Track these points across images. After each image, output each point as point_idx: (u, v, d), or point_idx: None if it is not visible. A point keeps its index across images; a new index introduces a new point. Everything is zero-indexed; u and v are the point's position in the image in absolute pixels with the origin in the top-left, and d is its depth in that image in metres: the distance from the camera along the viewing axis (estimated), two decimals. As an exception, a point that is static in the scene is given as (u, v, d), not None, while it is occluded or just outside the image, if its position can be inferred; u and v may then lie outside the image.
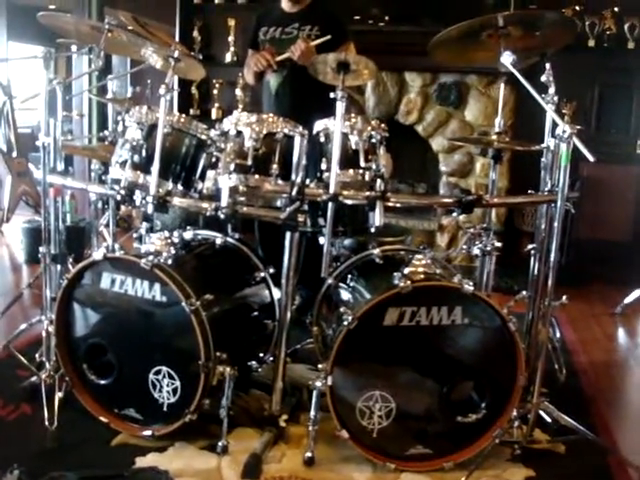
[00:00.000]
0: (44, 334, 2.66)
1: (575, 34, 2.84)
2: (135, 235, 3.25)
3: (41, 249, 2.68)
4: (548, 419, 2.49)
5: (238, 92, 5.55)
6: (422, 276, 2.33)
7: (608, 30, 5.01)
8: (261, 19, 3.79)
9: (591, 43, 5.03)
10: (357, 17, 5.28)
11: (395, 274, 2.30)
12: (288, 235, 2.36)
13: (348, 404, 2.28)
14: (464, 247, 3.21)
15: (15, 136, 5.98)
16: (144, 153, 2.36)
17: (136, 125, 2.40)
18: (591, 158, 2.10)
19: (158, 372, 2.34)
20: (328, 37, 3.43)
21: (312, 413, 2.29)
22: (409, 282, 2.22)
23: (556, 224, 2.31)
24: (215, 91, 5.66)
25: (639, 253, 4.81)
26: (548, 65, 2.49)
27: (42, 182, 2.59)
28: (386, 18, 5.29)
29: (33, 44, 8.73)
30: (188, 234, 2.74)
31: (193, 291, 2.26)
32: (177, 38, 5.53)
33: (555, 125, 2.33)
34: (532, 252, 2.71)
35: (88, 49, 2.70)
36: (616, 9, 4.96)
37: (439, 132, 5.29)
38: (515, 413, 2.33)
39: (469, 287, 2.23)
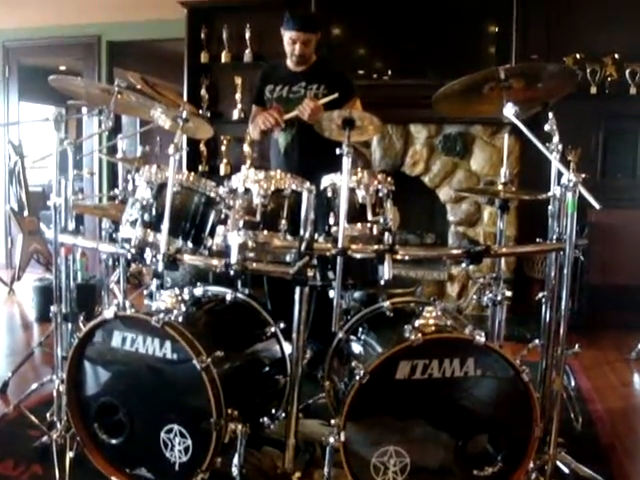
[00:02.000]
0: (55, 393, 2.65)
1: (576, 84, 2.89)
2: (146, 292, 3.26)
3: (52, 308, 2.69)
4: (566, 470, 2.45)
5: (246, 148, 5.64)
6: (433, 328, 2.32)
7: (610, 77, 5.08)
8: (267, 76, 3.83)
9: (593, 90, 5.10)
10: (361, 72, 5.38)
11: (406, 327, 2.29)
12: (298, 290, 2.37)
13: (362, 460, 2.24)
14: (474, 297, 3.21)
15: (26, 195, 6.08)
16: (154, 212, 2.39)
17: (146, 184, 2.43)
18: (597, 206, 2.11)
19: (170, 431, 2.32)
20: (335, 95, 3.47)
21: (326, 470, 2.25)
22: (420, 335, 2.21)
23: (566, 271, 2.31)
24: (223, 147, 5.77)
25: (650, 297, 4.79)
26: (551, 114, 2.51)
27: (53, 242, 2.61)
28: (389, 72, 5.39)
29: (44, 104, 8.92)
30: (198, 290, 2.75)
31: (204, 348, 2.25)
32: (185, 97, 5.66)
33: (560, 174, 2.35)
34: (543, 300, 2.70)
35: (98, 111, 2.75)
36: (617, 56, 5.04)
37: (446, 182, 5.34)
38: (532, 465, 2.30)
39: (481, 338, 2.21)
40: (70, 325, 2.73)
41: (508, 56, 5.13)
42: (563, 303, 2.33)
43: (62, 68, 7.97)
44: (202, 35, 5.81)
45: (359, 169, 2.44)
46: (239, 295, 2.72)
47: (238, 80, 5.70)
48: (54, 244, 2.61)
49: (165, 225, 2.29)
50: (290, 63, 3.74)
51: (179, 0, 5.62)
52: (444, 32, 5.29)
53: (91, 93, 2.95)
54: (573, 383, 3.30)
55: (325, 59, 3.84)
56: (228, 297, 2.72)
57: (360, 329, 2.70)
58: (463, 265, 2.52)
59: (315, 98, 3.56)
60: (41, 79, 7.74)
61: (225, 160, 5.79)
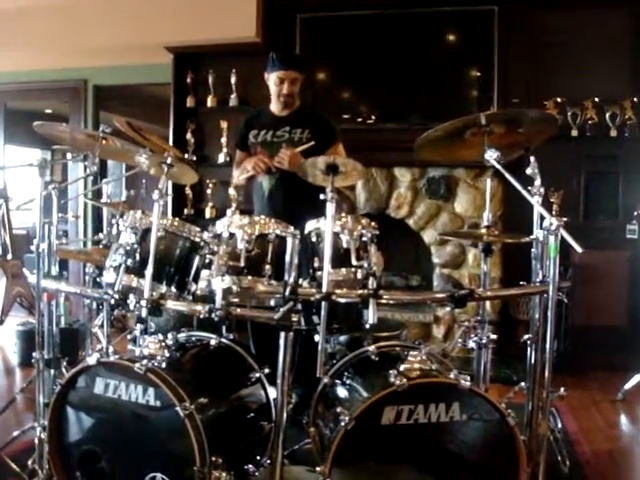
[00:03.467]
0: (37, 441, 2.61)
1: (557, 128, 2.93)
2: (130, 337, 3.24)
3: (35, 354, 2.67)
4: (554, 515, 2.43)
5: (231, 191, 5.60)
6: (418, 373, 2.32)
7: (590, 120, 5.16)
8: (251, 121, 3.88)
9: (574, 133, 5.17)
10: (346, 116, 5.45)
11: (391, 372, 2.29)
12: (282, 335, 2.36)
13: (348, 507, 2.22)
14: (460, 341, 3.21)
15: (10, 238, 6.03)
16: (138, 257, 2.39)
17: (130, 229, 2.43)
18: (579, 249, 2.12)
19: (153, 479, 2.28)
20: (312, 144, 3.55)
21: (312, 518, 2.23)
22: (405, 380, 2.20)
23: (550, 314, 2.32)
24: (209, 191, 5.79)
25: (635, 337, 4.80)
26: (532, 158, 2.55)
27: (36, 287, 2.60)
28: (373, 116, 5.46)
29: (30, 147, 8.93)
30: (182, 336, 2.74)
31: (187, 394, 2.23)
32: (171, 141, 5.69)
33: (543, 217, 2.37)
34: (528, 342, 2.70)
35: (83, 156, 2.76)
36: (596, 99, 5.13)
37: (430, 225, 5.37)
38: (520, 510, 2.28)
39: (466, 382, 2.21)
40: (53, 371, 2.70)
41: (490, 100, 5.23)
42: (548, 345, 2.34)
43: (48, 111, 8.01)
44: (188, 80, 5.86)
45: (343, 214, 2.46)
46: (223, 340, 2.71)
47: (224, 124, 5.74)
48: (37, 289, 2.60)
49: (149, 270, 2.29)
50: (275, 107, 3.79)
51: (165, 45, 5.68)
52: (427, 77, 5.39)
53: (76, 138, 2.96)
54: (560, 425, 3.28)
55: (308, 105, 3.91)
56: (212, 342, 2.71)
57: (345, 373, 2.69)
58: (448, 308, 2.52)
59: (296, 143, 3.63)
60: (27, 122, 7.74)
61: (211, 203, 5.81)
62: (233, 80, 5.70)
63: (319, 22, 5.57)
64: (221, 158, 5.77)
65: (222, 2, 5.44)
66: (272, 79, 3.70)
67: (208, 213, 5.79)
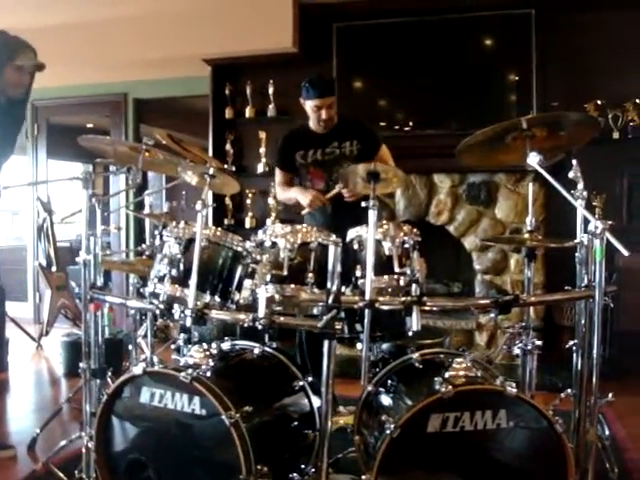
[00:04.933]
0: (84, 450, 2.65)
1: (599, 130, 2.89)
2: (173, 346, 3.27)
3: (81, 364, 2.71)
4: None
5: (271, 201, 5.70)
6: (463, 380, 2.29)
7: (632, 122, 5.07)
8: (292, 142, 3.91)
9: (616, 135, 5.09)
10: (383, 123, 5.45)
11: (436, 379, 2.26)
12: (326, 343, 2.36)
13: (394, 515, 2.21)
14: (504, 347, 3.17)
15: (55, 251, 6.16)
16: (182, 267, 2.42)
17: (174, 240, 2.46)
18: (625, 252, 2.09)
19: (198, 487, 2.30)
20: (337, 190, 3.54)
21: (357, 526, 2.22)
22: (450, 387, 2.18)
23: (596, 319, 2.28)
24: (248, 201, 5.84)
25: (682, 340, 4.69)
26: (575, 161, 2.52)
27: (83, 298, 2.64)
28: (411, 123, 5.45)
29: (71, 161, 9.10)
30: (226, 345, 2.76)
31: (232, 403, 2.24)
32: (210, 152, 5.76)
33: (587, 220, 2.34)
34: (574, 348, 2.67)
35: (127, 169, 2.80)
36: (637, 100, 5.05)
37: (471, 231, 5.33)
38: (568, 519, 2.24)
39: (512, 389, 2.18)
40: (99, 381, 2.74)
41: (529, 104, 5.18)
42: (594, 351, 2.30)
43: (89, 126, 8.15)
44: (226, 91, 5.93)
45: (384, 221, 2.46)
46: (267, 349, 2.72)
47: (262, 134, 5.79)
48: (83, 300, 2.64)
49: (193, 280, 2.31)
50: (315, 127, 3.82)
51: (204, 58, 5.75)
52: (465, 82, 5.36)
53: (119, 151, 2.99)
54: (607, 432, 3.22)
55: (345, 115, 3.92)
56: (256, 351, 2.72)
57: (389, 381, 2.67)
58: (492, 315, 2.49)
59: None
60: (69, 137, 7.91)
61: (250, 213, 5.86)
62: (271, 90, 5.74)
63: (355, 30, 5.59)
64: (260, 168, 5.82)
65: (258, 13, 5.48)
66: (309, 106, 3.74)
67: (248, 223, 5.84)
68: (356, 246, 2.51)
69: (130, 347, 3.70)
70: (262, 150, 5.80)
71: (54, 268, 6.14)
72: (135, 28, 5.83)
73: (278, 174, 4.02)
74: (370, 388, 2.65)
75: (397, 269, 2.38)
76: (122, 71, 6.40)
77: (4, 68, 2.82)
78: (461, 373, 2.32)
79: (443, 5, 5.29)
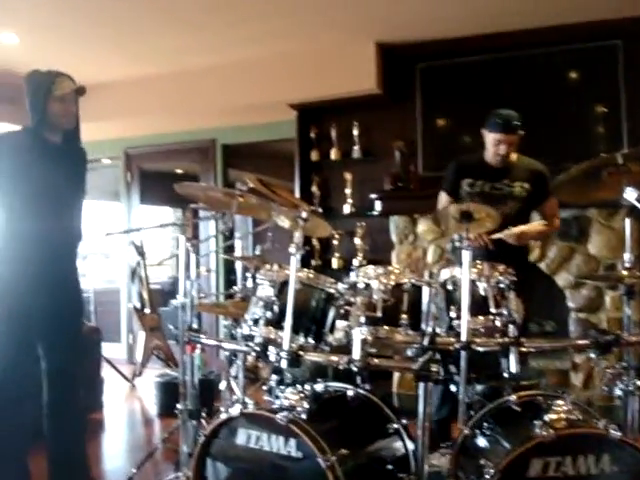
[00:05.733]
0: (181, 490, 2.69)
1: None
2: (265, 387, 3.30)
3: (179, 405, 2.77)
4: None
5: (357, 242, 5.71)
6: (564, 423, 2.22)
7: None
8: (463, 169, 3.78)
9: None
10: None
11: (535, 422, 2.21)
12: (421, 385, 2.34)
13: None
14: (604, 388, 3.06)
15: (148, 293, 6.34)
16: (276, 309, 2.46)
17: (268, 283, 2.51)
18: None
19: (294, 529, 2.29)
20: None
21: None
22: (551, 430, 2.12)
23: None
24: (335, 242, 5.87)
25: None
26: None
27: (180, 340, 2.71)
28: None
29: (162, 206, 9.41)
30: (319, 386, 2.76)
31: (328, 446, 2.24)
32: (297, 194, 5.83)
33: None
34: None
35: (222, 214, 2.88)
36: None
37: (563, 267, 5.19)
38: None
39: (615, 433, 2.11)
40: (194, 421, 2.79)
41: (619, 136, 5.05)
42: None
43: (179, 171, 8.41)
44: (312, 134, 6.02)
45: (478, 261, 2.43)
46: (360, 391, 2.71)
47: (348, 176, 5.84)
48: (180, 342, 2.70)
49: (288, 322, 2.34)
50: (491, 158, 3.69)
51: (289, 103, 5.88)
52: (551, 117, 5.27)
53: (211, 196, 3.08)
54: None
55: (524, 156, 3.78)
56: (350, 393, 2.71)
57: (486, 424, 2.61)
58: (591, 355, 2.42)
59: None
60: (160, 182, 8.21)
61: (337, 254, 5.89)
62: (355, 132, 5.79)
63: (437, 70, 5.61)
64: (346, 209, 5.86)
65: (341, 57, 5.58)
66: (489, 138, 3.65)
67: (335, 263, 5.87)
68: (450, 286, 2.49)
69: (221, 388, 3.75)
70: (348, 191, 5.84)
71: (147, 310, 6.31)
72: (223, 77, 6.04)
73: (442, 197, 3.86)
74: (467, 431, 2.59)
75: (493, 310, 2.34)
76: (210, 118, 6.62)
77: (47, 103, 2.91)
78: (562, 416, 2.25)
79: (525, 40, 5.25)
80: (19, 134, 3.03)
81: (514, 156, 3.67)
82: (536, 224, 3.55)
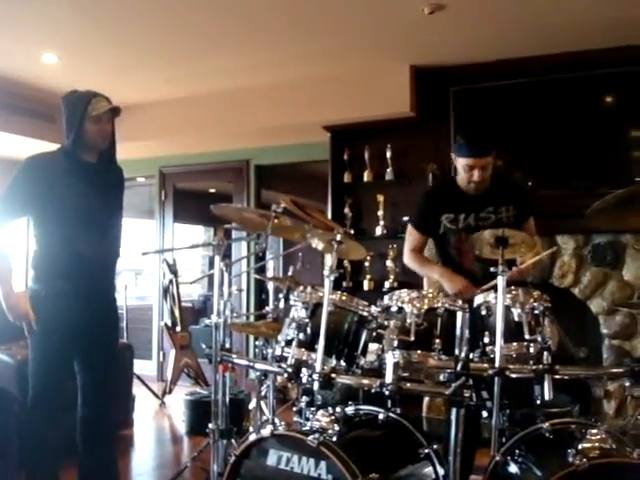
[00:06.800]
0: (211, 510, 2.70)
1: None
2: (295, 408, 3.31)
3: (210, 425, 2.78)
4: None
5: (389, 264, 5.71)
6: (598, 452, 2.19)
7: None
8: (438, 202, 3.47)
9: None
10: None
11: (569, 450, 2.18)
12: (454, 411, 2.33)
13: None
14: (638, 417, 3.02)
15: (180, 311, 6.40)
16: (309, 331, 2.47)
17: (301, 304, 2.52)
18: None
19: None
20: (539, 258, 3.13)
21: None
22: (585, 459, 2.10)
23: None
24: (367, 264, 5.85)
25: None
26: None
27: (213, 360, 2.73)
28: (529, 183, 5.36)
29: (194, 224, 9.51)
30: (350, 409, 2.76)
31: (359, 469, 2.23)
32: (330, 215, 5.85)
33: None
34: None
35: (257, 235, 2.91)
36: None
37: (597, 294, 5.13)
38: None
39: (650, 463, 2.07)
40: (225, 441, 2.80)
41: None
42: None
43: (212, 191, 8.51)
44: (345, 156, 6.04)
45: (513, 287, 2.42)
46: (391, 414, 2.70)
47: (380, 198, 5.84)
48: (214, 362, 2.72)
49: (321, 345, 2.35)
50: (466, 187, 3.38)
51: (323, 125, 5.92)
52: (585, 141, 5.22)
53: (246, 217, 3.11)
54: None
55: (502, 175, 3.55)
56: (381, 416, 2.70)
57: (517, 451, 2.59)
58: (626, 384, 2.39)
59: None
60: (193, 202, 8.29)
61: (369, 276, 5.88)
62: (388, 154, 5.79)
63: (471, 93, 5.59)
64: (378, 231, 5.85)
65: (375, 79, 5.61)
66: (460, 164, 3.34)
67: (366, 285, 5.86)
68: (484, 312, 2.48)
69: (250, 407, 3.76)
70: (380, 213, 5.84)
71: (178, 328, 6.36)
72: (257, 98, 6.11)
73: (411, 235, 3.57)
74: (498, 457, 2.57)
75: (527, 336, 2.33)
76: (244, 139, 6.68)
77: (83, 123, 2.96)
78: (596, 445, 2.22)
79: (560, 64, 5.23)
80: (54, 154, 3.08)
81: (487, 178, 3.34)
82: (533, 256, 3.00)
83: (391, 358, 2.30)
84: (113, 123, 3.09)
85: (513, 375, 2.27)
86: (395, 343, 2.34)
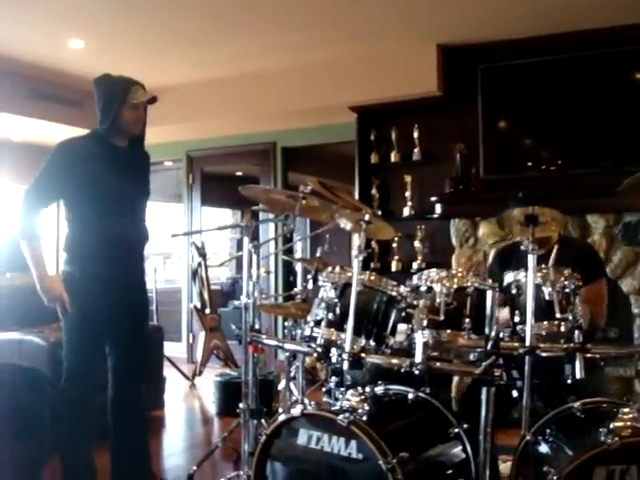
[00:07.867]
0: (242, 489, 2.73)
1: None
2: (324, 389, 3.32)
3: (241, 405, 2.81)
4: None
5: (417, 244, 5.69)
6: (630, 431, 2.17)
7: None
8: (505, 260, 3.32)
9: None
10: (529, 163, 5.35)
11: (600, 429, 2.16)
12: (484, 390, 2.32)
13: None
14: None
15: (209, 294, 6.45)
16: (338, 311, 2.47)
17: (330, 285, 2.53)
18: None
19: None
20: None
21: None
22: (617, 438, 2.08)
23: None
24: (394, 245, 5.85)
25: None
26: None
27: (243, 341, 2.75)
28: (558, 162, 5.30)
29: (221, 207, 9.55)
30: (379, 389, 2.76)
31: (389, 449, 2.23)
32: (357, 196, 5.84)
33: None
34: None
35: (285, 216, 2.92)
36: None
37: (628, 273, 5.08)
38: None
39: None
40: (255, 421, 2.83)
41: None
42: None
43: (239, 173, 8.53)
44: (372, 137, 6.02)
45: (544, 265, 2.40)
46: (421, 394, 2.70)
47: (408, 178, 5.82)
48: (244, 343, 2.74)
49: (350, 324, 2.35)
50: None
51: (349, 105, 5.90)
52: (615, 118, 5.15)
53: (273, 198, 3.12)
54: None
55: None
56: (410, 396, 2.69)
57: (548, 430, 2.57)
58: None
59: None
60: (220, 185, 8.34)
61: (397, 257, 5.87)
62: (415, 134, 5.76)
63: (500, 71, 5.53)
64: (406, 212, 5.84)
65: (402, 59, 5.58)
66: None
67: (394, 266, 5.85)
68: (514, 291, 2.46)
69: (279, 388, 3.79)
70: (408, 194, 5.82)
71: (208, 310, 6.41)
72: (283, 80, 6.11)
73: None
74: (529, 437, 2.56)
75: (558, 315, 2.31)
76: (271, 121, 6.69)
77: (122, 111, 2.98)
78: (628, 424, 2.20)
79: (588, 41, 5.14)
80: (86, 139, 3.10)
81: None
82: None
83: (420, 338, 2.29)
84: (147, 111, 3.12)
85: (544, 354, 2.26)
86: (424, 323, 2.33)
